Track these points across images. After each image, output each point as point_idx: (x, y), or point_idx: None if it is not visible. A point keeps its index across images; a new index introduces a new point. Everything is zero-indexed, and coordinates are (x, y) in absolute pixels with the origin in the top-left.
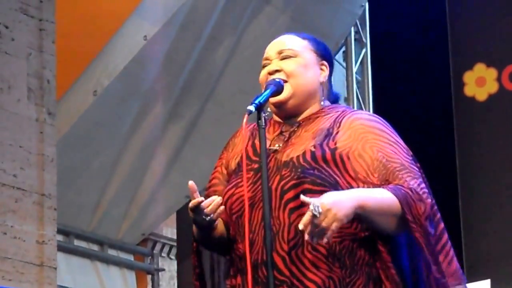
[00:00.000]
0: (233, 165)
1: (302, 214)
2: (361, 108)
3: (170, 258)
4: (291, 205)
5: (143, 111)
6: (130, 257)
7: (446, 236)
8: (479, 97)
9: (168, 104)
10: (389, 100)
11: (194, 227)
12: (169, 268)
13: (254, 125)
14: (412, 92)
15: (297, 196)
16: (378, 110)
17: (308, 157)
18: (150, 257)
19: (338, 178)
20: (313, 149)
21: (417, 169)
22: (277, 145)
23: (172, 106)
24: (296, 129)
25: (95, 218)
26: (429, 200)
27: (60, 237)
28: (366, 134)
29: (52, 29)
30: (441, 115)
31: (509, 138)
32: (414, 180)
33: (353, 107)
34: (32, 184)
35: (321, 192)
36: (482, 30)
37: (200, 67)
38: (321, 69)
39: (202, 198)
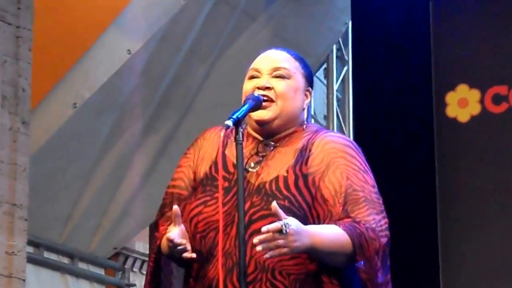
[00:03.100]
0: (201, 172)
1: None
2: (341, 126)
3: (142, 273)
4: (256, 237)
5: (120, 123)
6: (101, 271)
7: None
8: (461, 118)
9: (145, 117)
10: (370, 118)
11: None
12: (140, 283)
13: (226, 132)
14: (393, 111)
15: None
16: (358, 128)
17: (280, 184)
18: (121, 271)
19: (306, 208)
20: (285, 174)
21: (380, 202)
22: (252, 164)
23: (150, 118)
24: (271, 150)
25: (66, 230)
26: (384, 240)
27: (30, 249)
28: (337, 159)
29: (29, 37)
30: (422, 135)
31: (490, 160)
32: (374, 216)
33: (333, 125)
34: (3, 194)
35: None
36: (465, 51)
37: (179, 80)
38: (306, 95)
39: (174, 238)
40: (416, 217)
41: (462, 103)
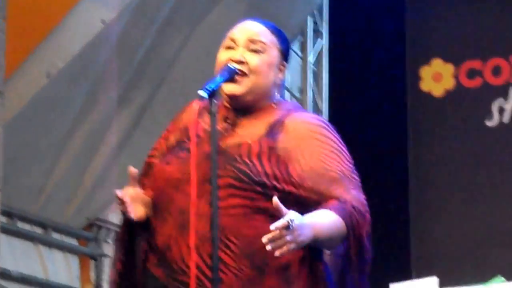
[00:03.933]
0: (173, 140)
1: (220, 208)
2: (316, 99)
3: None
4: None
5: (94, 94)
6: (75, 242)
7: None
8: (435, 92)
9: (120, 87)
10: (344, 92)
11: None
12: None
13: (205, 104)
14: (367, 85)
15: (219, 188)
16: (333, 102)
17: (243, 150)
18: (94, 242)
19: (265, 179)
20: (249, 142)
21: (357, 179)
22: (218, 129)
23: (124, 89)
24: (241, 118)
25: (40, 200)
26: (368, 215)
27: (3, 219)
28: (309, 140)
29: (3, 6)
30: (396, 109)
31: (463, 135)
32: (352, 191)
33: (308, 98)
34: None
35: (243, 190)
36: (440, 25)
37: (154, 51)
38: (280, 69)
39: (119, 194)
40: (388, 190)
41: (437, 77)
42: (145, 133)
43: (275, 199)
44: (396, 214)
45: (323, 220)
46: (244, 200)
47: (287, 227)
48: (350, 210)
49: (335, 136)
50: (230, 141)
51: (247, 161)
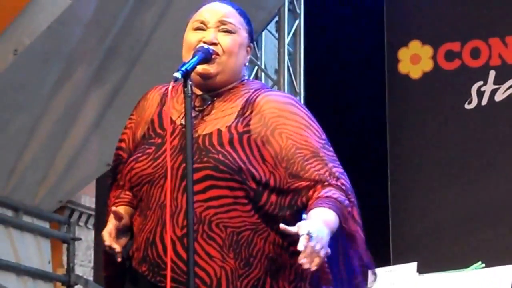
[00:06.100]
0: (138, 135)
1: (201, 201)
2: (292, 80)
3: (88, 228)
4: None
5: (66, 74)
6: (46, 225)
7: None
8: (413, 74)
9: (92, 67)
10: (321, 73)
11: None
12: (86, 237)
13: (165, 90)
14: (345, 66)
15: (198, 181)
16: (309, 83)
17: (214, 139)
18: (66, 225)
19: (242, 165)
20: (220, 131)
21: (331, 153)
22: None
23: (96, 69)
24: (209, 104)
25: (11, 182)
26: (348, 200)
27: None
28: (277, 118)
29: None
30: (374, 91)
31: (442, 117)
32: (324, 168)
33: (284, 79)
34: None
35: (222, 180)
36: (418, 6)
37: (127, 30)
38: (247, 51)
39: (109, 244)
40: (367, 175)
41: (415, 59)
42: (118, 114)
43: (282, 225)
44: (375, 198)
45: (327, 216)
46: (224, 191)
47: (310, 237)
48: (340, 207)
49: (302, 112)
50: (200, 131)
51: (221, 149)
